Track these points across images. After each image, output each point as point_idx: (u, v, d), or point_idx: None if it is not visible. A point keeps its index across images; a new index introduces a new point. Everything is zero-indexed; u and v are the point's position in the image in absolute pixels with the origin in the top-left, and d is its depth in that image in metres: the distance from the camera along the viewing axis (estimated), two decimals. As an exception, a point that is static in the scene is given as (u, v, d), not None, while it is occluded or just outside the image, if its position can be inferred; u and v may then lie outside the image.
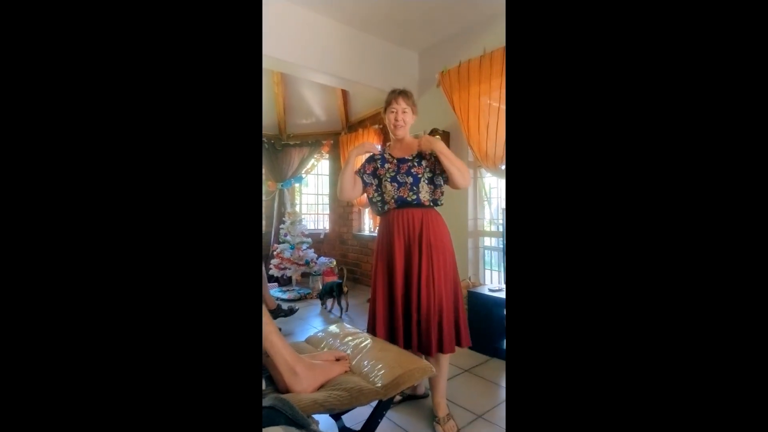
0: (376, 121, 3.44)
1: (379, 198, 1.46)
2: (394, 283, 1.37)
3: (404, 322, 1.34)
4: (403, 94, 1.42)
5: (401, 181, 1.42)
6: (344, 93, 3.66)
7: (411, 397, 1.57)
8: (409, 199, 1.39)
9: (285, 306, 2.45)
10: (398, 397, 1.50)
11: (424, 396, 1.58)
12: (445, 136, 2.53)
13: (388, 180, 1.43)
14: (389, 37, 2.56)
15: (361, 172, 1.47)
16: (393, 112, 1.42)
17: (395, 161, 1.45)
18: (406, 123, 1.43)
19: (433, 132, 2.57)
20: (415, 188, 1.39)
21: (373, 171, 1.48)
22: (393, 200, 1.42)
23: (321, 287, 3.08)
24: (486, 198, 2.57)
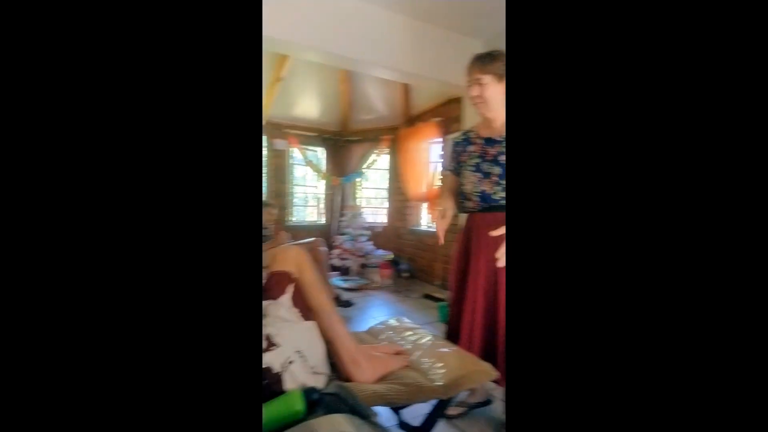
0: (436, 113, 3.37)
1: (459, 191, 1.13)
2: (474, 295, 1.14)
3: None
4: (480, 59, 1.02)
5: (486, 171, 1.07)
6: (406, 87, 3.64)
7: (475, 406, 1.38)
8: (495, 196, 1.05)
9: (344, 296, 2.55)
10: (462, 409, 1.36)
11: (486, 403, 1.40)
12: (512, 129, 2.39)
13: (471, 168, 1.10)
14: (452, 27, 2.48)
15: (452, 168, 1.16)
16: (468, 85, 1.06)
17: (481, 142, 1.10)
18: (488, 99, 1.03)
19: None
20: (503, 182, 1.04)
21: (457, 156, 1.15)
22: (475, 197, 1.09)
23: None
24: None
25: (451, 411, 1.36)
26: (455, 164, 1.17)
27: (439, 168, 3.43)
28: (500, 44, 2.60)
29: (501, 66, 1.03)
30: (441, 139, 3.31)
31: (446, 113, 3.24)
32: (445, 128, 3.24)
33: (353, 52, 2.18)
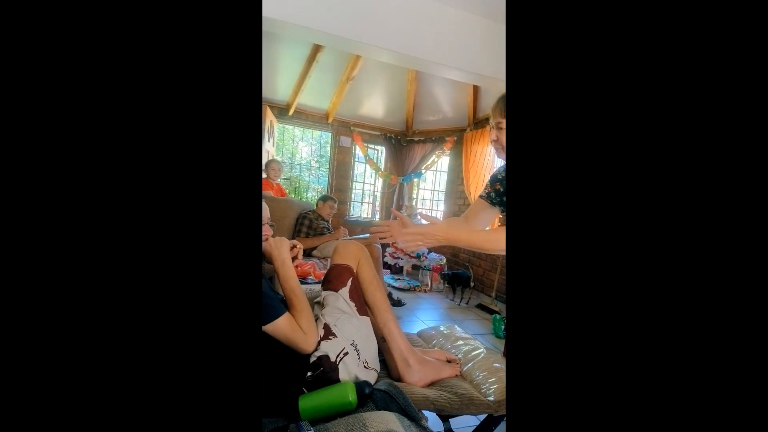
0: (505, 117, 3.23)
1: None
2: None
3: None
4: (502, 102, 0.90)
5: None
6: (475, 89, 3.54)
7: None
8: None
9: (395, 295, 2.57)
10: None
11: None
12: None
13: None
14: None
15: (485, 194, 1.10)
16: (490, 128, 0.96)
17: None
18: (504, 146, 0.91)
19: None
20: None
21: (499, 190, 1.08)
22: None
23: (448, 272, 3.18)
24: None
25: None
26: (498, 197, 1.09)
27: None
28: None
29: None
30: (508, 144, 3.16)
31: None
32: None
33: (425, 53, 2.18)
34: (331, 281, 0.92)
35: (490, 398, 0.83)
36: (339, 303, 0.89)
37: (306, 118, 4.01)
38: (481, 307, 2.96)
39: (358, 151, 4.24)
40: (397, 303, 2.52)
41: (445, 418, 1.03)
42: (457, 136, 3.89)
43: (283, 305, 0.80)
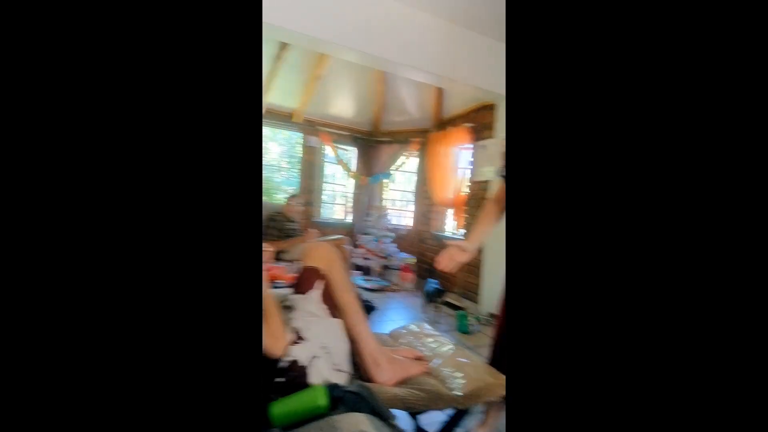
0: (468, 119, 3.34)
1: None
2: None
3: None
4: None
5: None
6: (439, 90, 3.64)
7: None
8: None
9: (363, 296, 2.57)
10: None
11: None
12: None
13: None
14: (492, 33, 2.45)
15: None
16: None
17: None
18: None
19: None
20: None
21: None
22: None
23: (426, 289, 2.86)
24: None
25: None
26: None
27: (468, 174, 3.39)
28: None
29: None
30: (471, 145, 3.27)
31: (478, 119, 3.21)
32: (477, 134, 3.20)
33: (390, 53, 2.21)
34: (300, 284, 0.92)
35: (456, 393, 0.86)
36: (309, 306, 0.88)
37: (274, 117, 3.91)
38: (447, 303, 3.05)
39: (329, 151, 4.20)
40: (368, 309, 2.53)
41: (414, 415, 1.06)
42: (422, 138, 3.97)
43: None
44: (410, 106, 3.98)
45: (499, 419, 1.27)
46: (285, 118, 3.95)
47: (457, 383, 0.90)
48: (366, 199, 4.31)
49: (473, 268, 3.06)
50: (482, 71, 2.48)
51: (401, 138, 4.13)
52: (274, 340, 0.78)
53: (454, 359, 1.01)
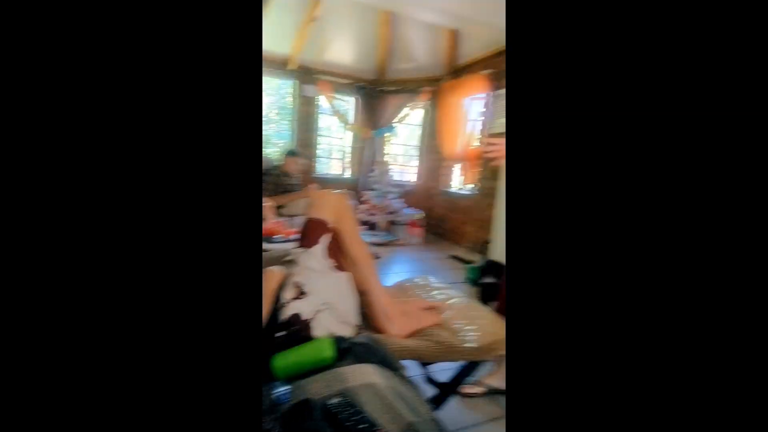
0: (488, 65, 3.04)
1: None
2: None
3: None
4: None
5: None
6: (452, 33, 3.32)
7: (499, 392, 1.28)
8: None
9: (371, 250, 2.55)
10: (480, 389, 1.29)
11: None
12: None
13: None
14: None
15: None
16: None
17: None
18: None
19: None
20: None
21: None
22: None
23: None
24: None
25: (470, 390, 1.29)
26: None
27: (479, 127, 3.21)
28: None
29: None
30: (485, 95, 3.05)
31: (497, 65, 2.93)
32: (495, 82, 2.96)
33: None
34: (305, 237, 0.85)
35: (470, 345, 0.82)
36: (311, 262, 0.82)
37: (264, 64, 3.65)
38: (456, 257, 3.03)
39: (323, 102, 3.96)
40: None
41: (424, 365, 1.04)
42: (435, 87, 3.71)
43: None
44: (420, 51, 3.67)
45: None
46: (277, 66, 3.67)
47: (472, 336, 0.86)
48: (369, 153, 4.15)
49: (484, 222, 3.00)
50: (501, 9, 2.22)
51: (410, 87, 3.87)
52: None
53: (466, 311, 0.97)
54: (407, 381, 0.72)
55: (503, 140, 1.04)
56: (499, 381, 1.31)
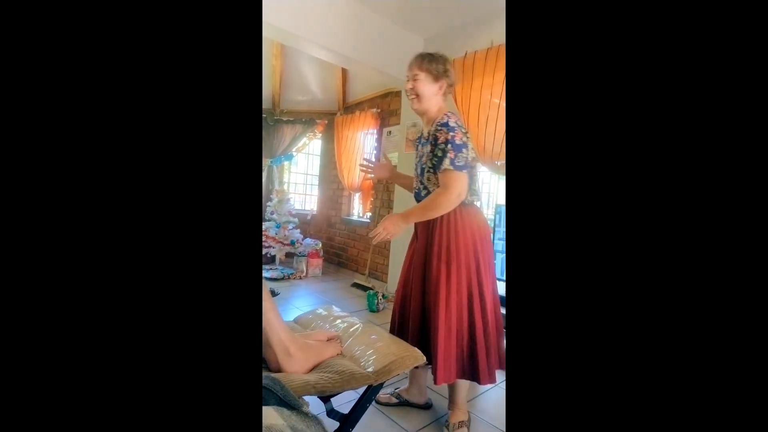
0: (374, 104, 3.37)
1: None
2: (409, 295, 1.20)
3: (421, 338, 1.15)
4: (419, 58, 1.13)
5: (415, 166, 1.22)
6: (344, 72, 3.56)
7: (413, 406, 1.36)
8: (421, 193, 1.18)
9: (269, 286, 2.41)
10: (394, 399, 1.38)
11: (426, 407, 1.36)
12: (444, 127, 2.50)
13: (413, 166, 1.24)
14: (397, 20, 2.49)
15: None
16: (407, 79, 1.17)
17: (417, 139, 1.24)
18: (420, 94, 1.12)
19: (433, 121, 2.53)
20: (421, 179, 1.17)
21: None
22: (413, 193, 1.23)
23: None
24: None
25: (384, 398, 1.38)
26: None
27: (373, 158, 3.44)
28: (440, 44, 2.66)
29: (438, 67, 1.13)
30: (375, 131, 3.32)
31: (384, 105, 3.26)
32: (383, 120, 3.26)
33: (290, 25, 2.04)
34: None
35: (369, 369, 0.86)
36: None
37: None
38: (356, 285, 3.09)
39: (218, 128, 3.73)
40: (271, 293, 2.38)
41: (326, 398, 1.03)
42: (328, 120, 3.86)
43: None
44: (313, 85, 3.81)
45: (422, 380, 1.35)
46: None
47: (370, 360, 0.90)
48: (265, 183, 4.01)
49: (382, 249, 3.16)
50: (386, 56, 2.51)
51: (305, 118, 3.94)
52: None
53: (366, 337, 1.01)
54: (309, 417, 0.71)
55: (379, 161, 1.13)
56: (409, 394, 1.39)
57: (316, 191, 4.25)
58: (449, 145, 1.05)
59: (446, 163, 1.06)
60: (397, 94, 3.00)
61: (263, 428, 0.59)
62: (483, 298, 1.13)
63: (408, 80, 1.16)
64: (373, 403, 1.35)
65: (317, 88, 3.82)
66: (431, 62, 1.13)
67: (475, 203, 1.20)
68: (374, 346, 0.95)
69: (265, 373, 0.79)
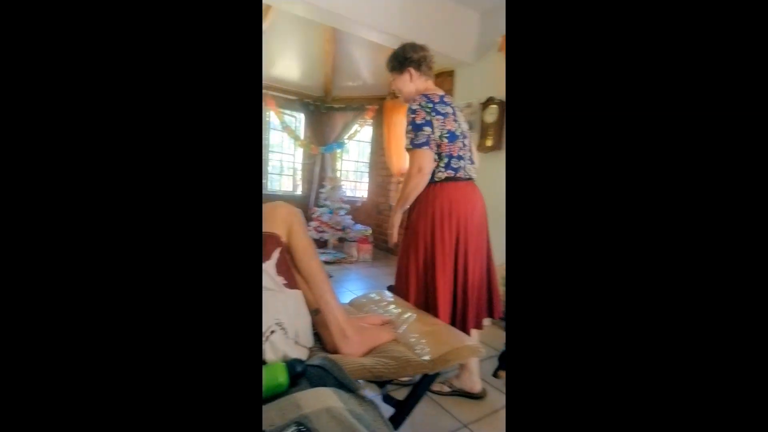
0: (425, 87, 3.26)
1: None
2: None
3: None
4: (387, 63, 1.30)
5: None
6: (394, 55, 3.48)
7: (467, 395, 1.35)
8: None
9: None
10: (446, 388, 1.37)
11: (480, 396, 1.35)
12: (501, 106, 2.35)
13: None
14: (453, -5, 2.35)
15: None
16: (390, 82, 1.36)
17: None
18: (399, 89, 1.31)
19: (489, 101, 2.39)
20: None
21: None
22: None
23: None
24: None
25: (437, 387, 1.36)
26: None
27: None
28: (497, 18, 2.48)
29: (396, 61, 1.27)
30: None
31: (436, 86, 3.13)
32: (433, 102, 3.14)
33: (343, 8, 2.02)
34: (252, 255, 0.80)
35: (425, 358, 0.83)
36: (262, 278, 0.78)
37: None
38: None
39: (273, 118, 3.88)
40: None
41: (381, 384, 1.03)
42: (378, 105, 3.82)
43: None
44: (364, 70, 3.77)
45: (475, 368, 1.32)
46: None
47: (425, 349, 0.87)
48: (318, 170, 4.11)
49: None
50: (441, 35, 2.39)
51: (355, 105, 3.94)
52: None
53: (419, 325, 0.98)
54: (365, 401, 0.70)
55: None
56: (461, 382, 1.36)
57: (366, 178, 4.28)
58: (409, 126, 1.18)
59: (406, 143, 1.19)
60: (450, 74, 2.86)
61: (323, 410, 0.59)
62: (435, 280, 1.20)
63: (390, 83, 1.32)
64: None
65: (368, 73, 3.79)
66: (392, 61, 1.27)
67: (460, 178, 1.23)
68: (430, 335, 0.92)
69: (321, 354, 0.79)
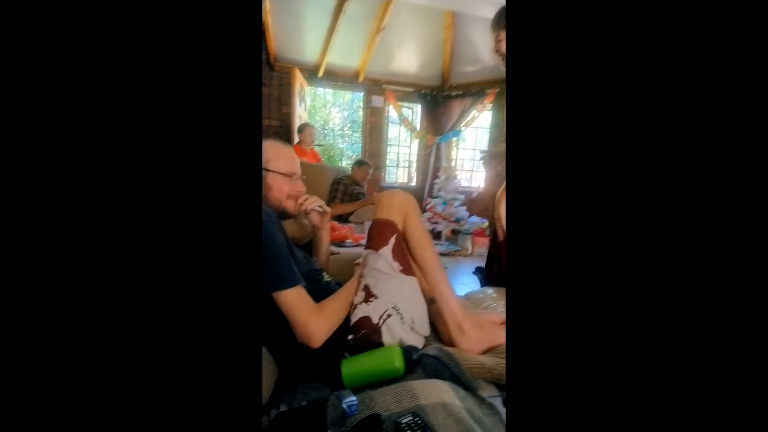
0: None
1: None
2: None
3: None
4: (497, 18, 1.11)
5: None
6: (520, 30, 3.15)
7: None
8: None
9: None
10: None
11: None
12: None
13: None
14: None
15: None
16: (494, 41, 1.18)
17: None
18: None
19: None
20: None
21: None
22: None
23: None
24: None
25: None
26: None
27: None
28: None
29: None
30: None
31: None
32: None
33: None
34: (372, 238, 0.83)
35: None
36: (379, 263, 0.79)
37: (336, 78, 3.82)
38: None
39: (391, 112, 4.02)
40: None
41: (503, 387, 0.94)
42: (499, 87, 3.53)
43: (303, 278, 0.72)
44: (484, 51, 3.54)
45: None
46: (348, 79, 3.82)
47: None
48: (432, 160, 4.08)
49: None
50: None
51: (474, 90, 3.74)
52: (313, 317, 0.70)
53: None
54: (484, 402, 0.64)
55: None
56: None
57: (483, 167, 4.04)
58: None
59: None
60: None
61: (440, 404, 0.55)
62: None
63: (493, 42, 1.12)
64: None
65: (489, 54, 3.53)
66: (501, 17, 1.12)
67: None
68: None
69: (437, 345, 0.76)
